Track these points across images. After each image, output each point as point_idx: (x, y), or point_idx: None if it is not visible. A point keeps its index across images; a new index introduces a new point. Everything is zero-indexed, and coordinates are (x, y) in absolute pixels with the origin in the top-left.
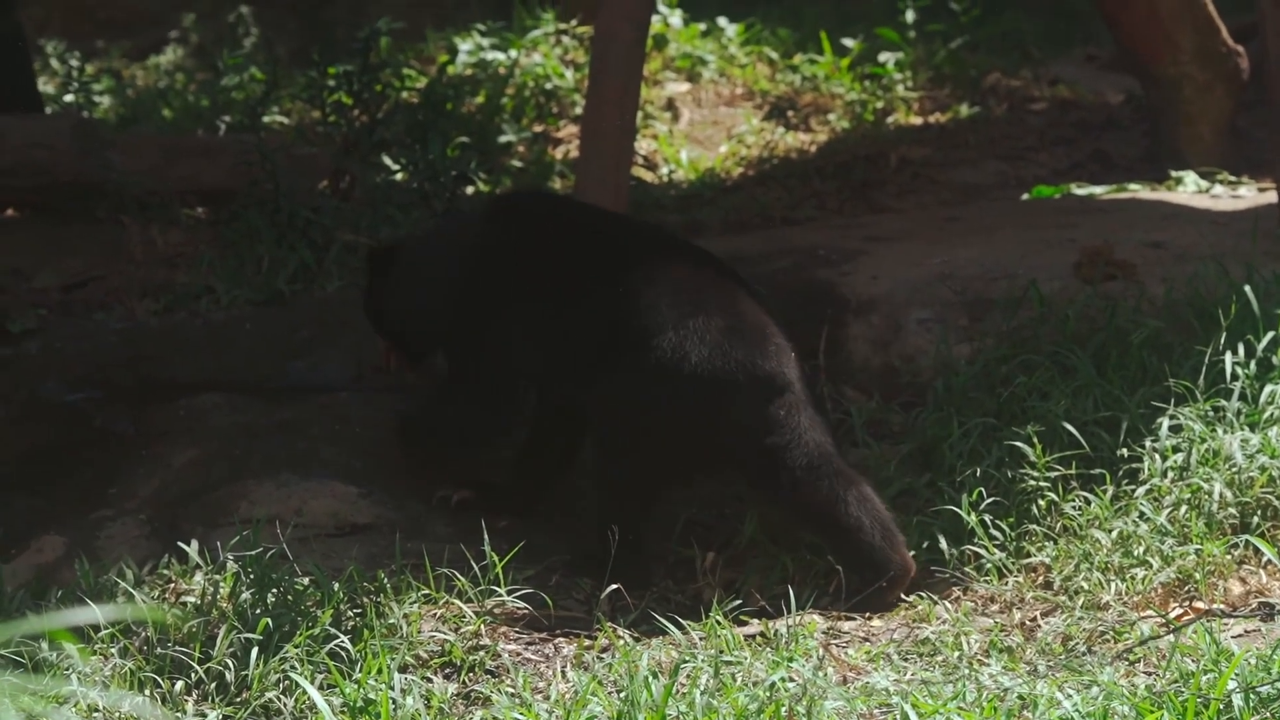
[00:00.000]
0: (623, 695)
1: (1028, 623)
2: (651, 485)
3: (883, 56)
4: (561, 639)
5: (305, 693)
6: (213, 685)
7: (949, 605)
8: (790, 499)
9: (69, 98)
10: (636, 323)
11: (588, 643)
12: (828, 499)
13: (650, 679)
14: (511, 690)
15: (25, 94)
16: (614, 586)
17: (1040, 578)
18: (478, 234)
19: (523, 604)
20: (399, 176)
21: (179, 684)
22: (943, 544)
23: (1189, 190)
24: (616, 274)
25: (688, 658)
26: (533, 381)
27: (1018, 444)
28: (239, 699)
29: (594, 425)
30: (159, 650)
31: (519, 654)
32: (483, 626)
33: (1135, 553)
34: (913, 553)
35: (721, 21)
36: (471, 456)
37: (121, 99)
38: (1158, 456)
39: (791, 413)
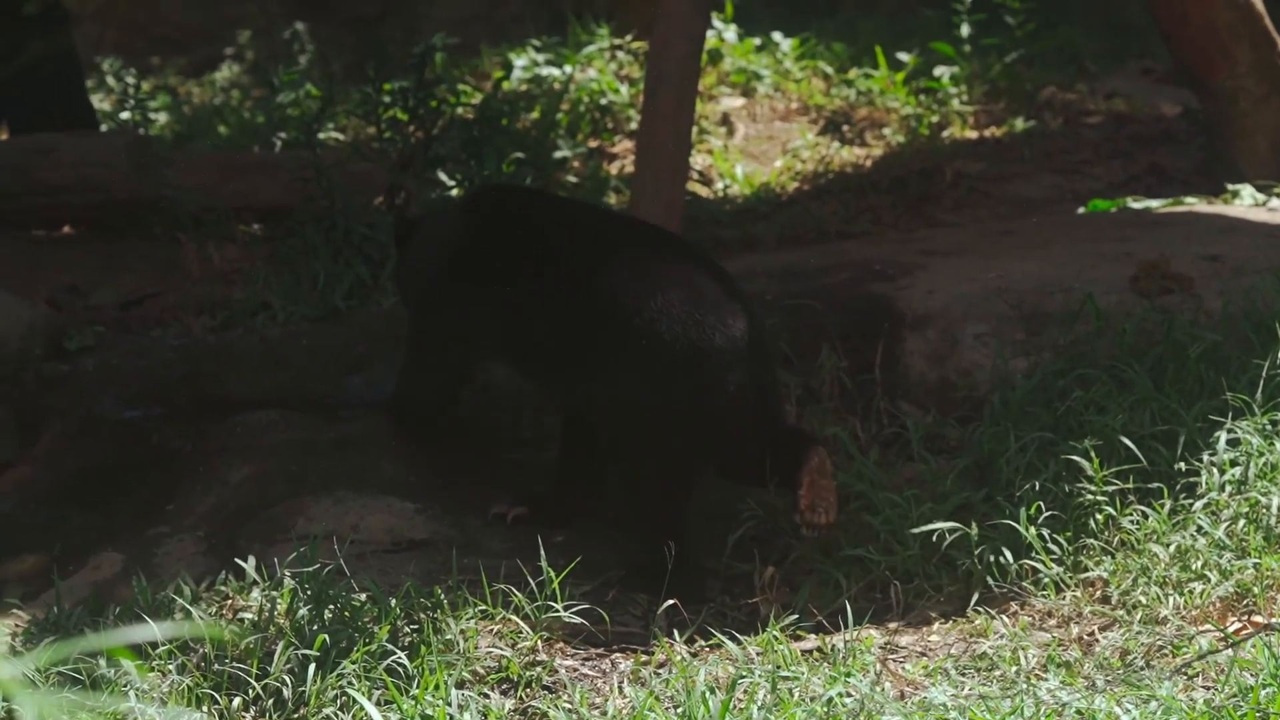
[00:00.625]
0: (680, 711)
1: (1085, 637)
2: (675, 478)
3: (938, 71)
4: (618, 654)
5: (362, 709)
6: (270, 702)
7: (1006, 620)
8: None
9: (125, 115)
10: (609, 315)
11: (644, 658)
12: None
13: (707, 694)
14: (568, 706)
15: (80, 112)
16: (671, 601)
17: (1098, 592)
18: (452, 219)
19: (579, 619)
20: (454, 192)
21: (236, 700)
22: (1001, 558)
23: (1245, 203)
24: (579, 264)
25: (745, 673)
26: (501, 364)
27: (1075, 458)
28: (296, 715)
29: (600, 433)
30: (216, 667)
31: (576, 669)
32: (539, 642)
33: (1193, 567)
34: (965, 562)
35: (776, 36)
36: (430, 427)
37: (177, 116)
38: (1215, 470)
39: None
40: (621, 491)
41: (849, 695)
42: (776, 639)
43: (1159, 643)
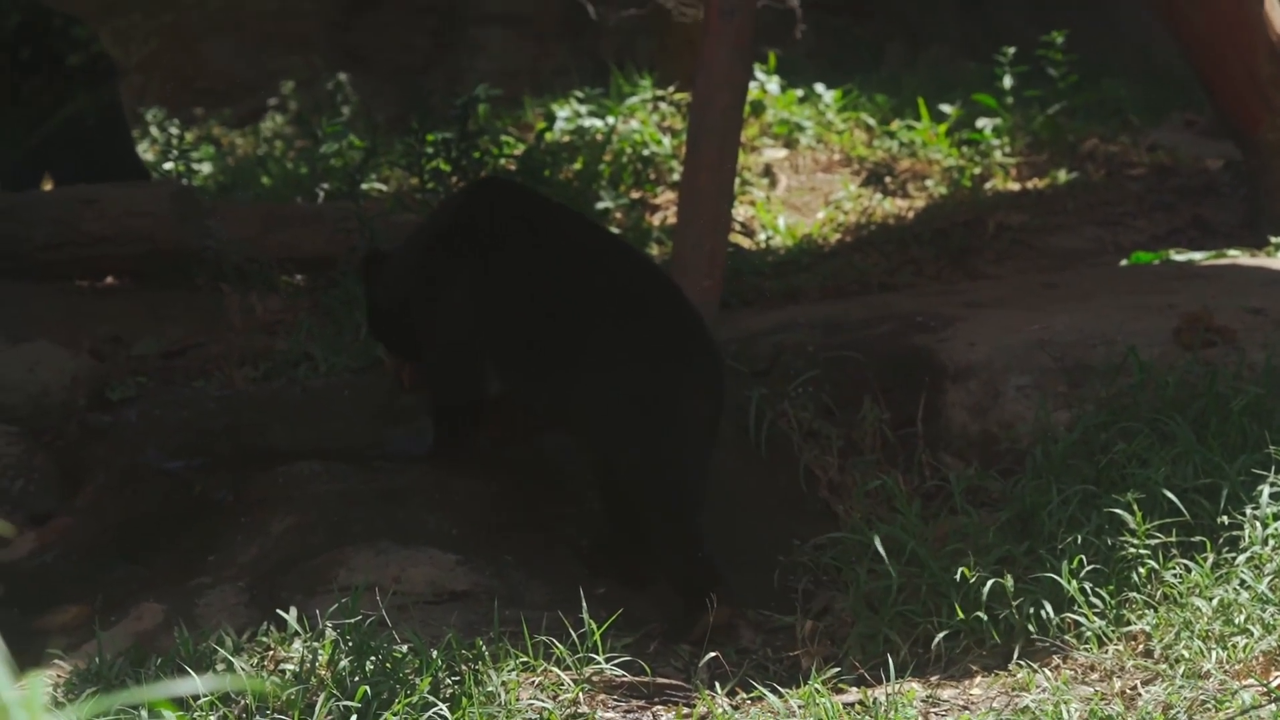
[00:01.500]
0: None
1: (1128, 691)
2: (680, 472)
3: (980, 122)
4: (660, 706)
5: None
6: None
7: (1049, 673)
8: None
9: (169, 166)
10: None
11: (686, 710)
12: None
13: None
14: None
15: (128, 163)
16: (712, 655)
17: (1140, 646)
18: (442, 219)
19: (621, 671)
20: None
21: None
22: (1043, 611)
23: None
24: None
25: None
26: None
27: (1117, 511)
28: None
29: (597, 451)
30: (258, 718)
31: None
32: (581, 694)
33: (1236, 620)
34: (1004, 613)
35: (819, 88)
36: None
37: (221, 167)
38: (1259, 524)
39: None
40: (642, 510)
41: None
42: (818, 692)
43: (1202, 697)
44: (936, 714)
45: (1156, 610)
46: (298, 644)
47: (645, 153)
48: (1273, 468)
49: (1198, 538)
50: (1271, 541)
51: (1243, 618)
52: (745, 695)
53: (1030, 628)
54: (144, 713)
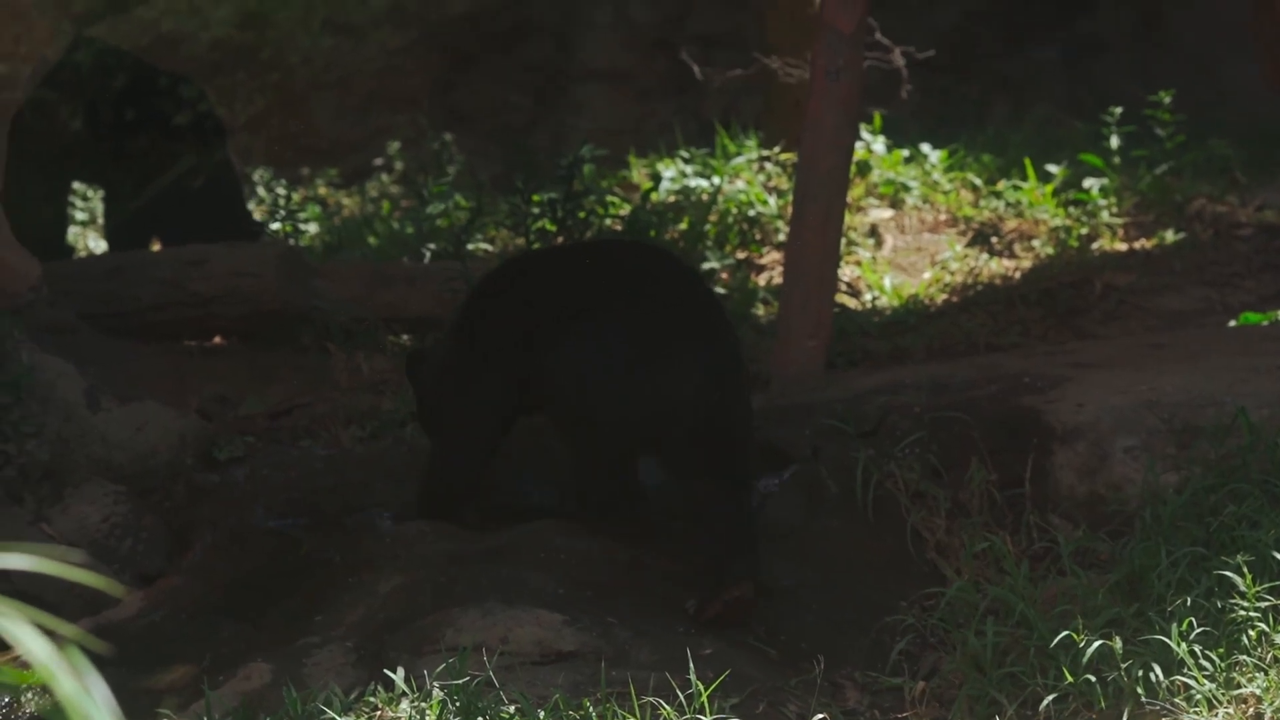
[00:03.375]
0: None
1: None
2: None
3: (1087, 182)
4: None
5: None
6: None
7: None
8: None
9: (275, 226)
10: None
11: None
12: None
13: None
14: None
15: (238, 222)
16: (820, 716)
17: (1251, 709)
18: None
19: None
20: None
21: None
22: (1152, 674)
23: None
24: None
25: None
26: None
27: (1227, 573)
28: None
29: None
30: None
31: None
32: None
33: None
34: (1113, 675)
35: (925, 148)
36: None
37: (327, 226)
38: None
39: None
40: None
41: None
42: None
43: None
44: None
45: (1267, 673)
46: (405, 704)
47: (751, 213)
48: None
49: None
50: None
51: None
52: None
53: (1139, 691)
54: None
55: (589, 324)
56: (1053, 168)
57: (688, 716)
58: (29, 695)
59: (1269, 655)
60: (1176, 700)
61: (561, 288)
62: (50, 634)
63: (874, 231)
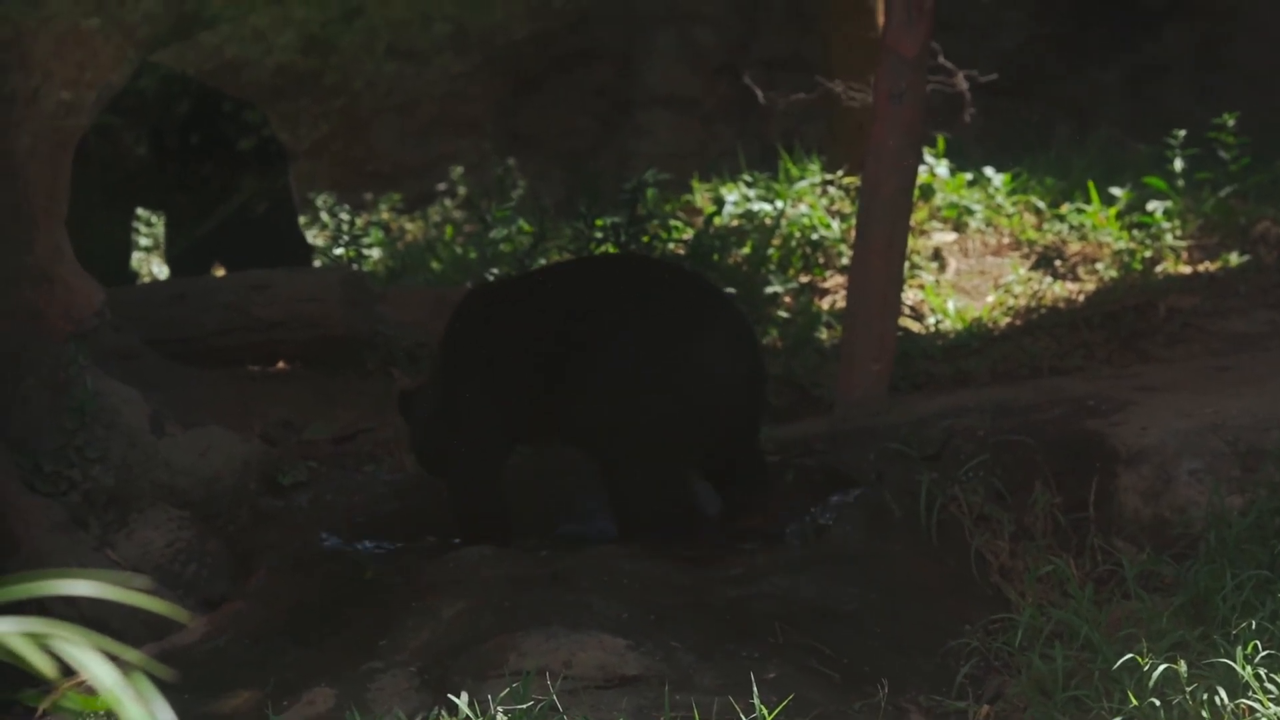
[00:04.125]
0: None
1: None
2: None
3: (1151, 205)
4: None
5: None
6: None
7: None
8: None
9: (339, 251)
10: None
11: None
12: None
13: None
14: None
15: (295, 247)
16: None
17: None
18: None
19: None
20: None
21: None
22: (1217, 698)
23: None
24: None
25: None
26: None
27: None
28: None
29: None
30: None
31: None
32: None
33: None
34: (1178, 699)
35: (988, 171)
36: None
37: (390, 251)
38: None
39: None
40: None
41: None
42: None
43: None
44: None
45: None
46: None
47: (814, 237)
48: None
49: None
50: None
51: None
52: None
53: (1204, 715)
54: None
55: (626, 340)
56: (1116, 190)
57: None
58: None
59: None
60: None
61: (570, 309)
62: (116, 660)
63: (937, 255)
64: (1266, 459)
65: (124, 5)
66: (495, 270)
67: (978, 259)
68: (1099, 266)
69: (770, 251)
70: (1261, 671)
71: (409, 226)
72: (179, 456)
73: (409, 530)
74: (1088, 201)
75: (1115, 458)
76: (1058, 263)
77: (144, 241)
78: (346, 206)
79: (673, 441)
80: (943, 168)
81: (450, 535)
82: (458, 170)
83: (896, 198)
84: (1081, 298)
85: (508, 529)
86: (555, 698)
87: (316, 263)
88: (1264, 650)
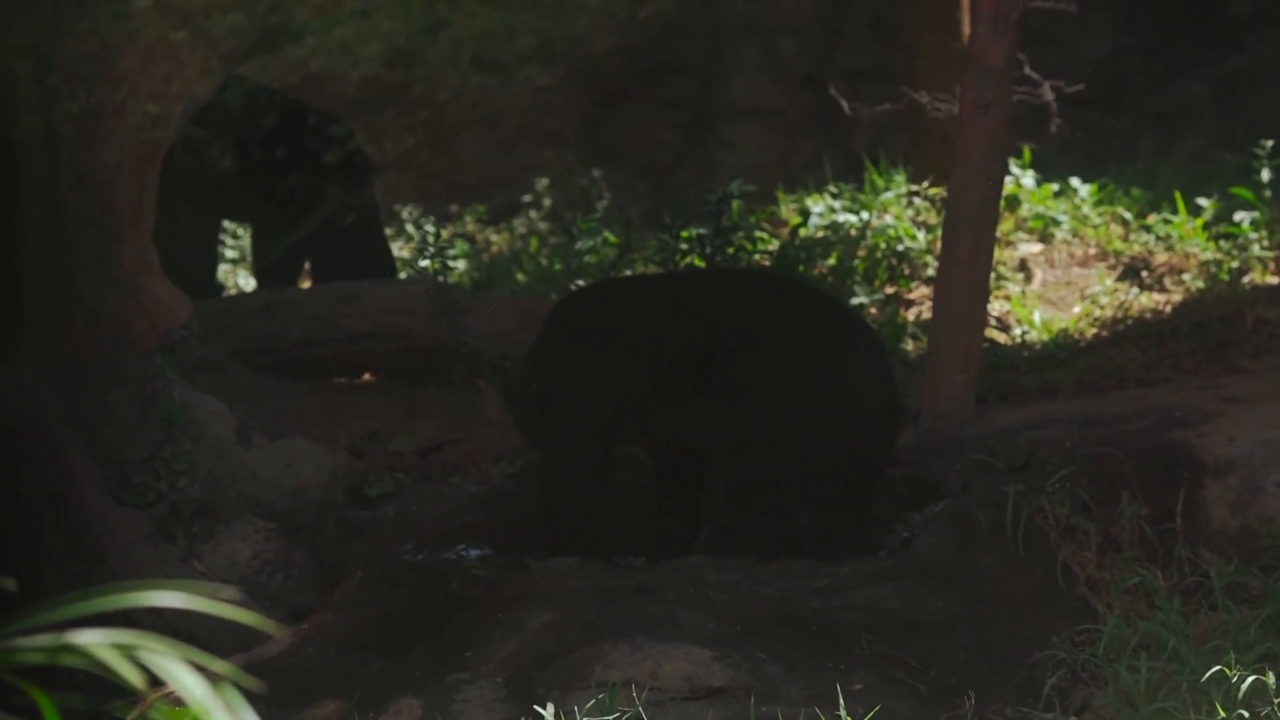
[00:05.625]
0: None
1: None
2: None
3: (1238, 216)
4: None
5: None
6: None
7: None
8: None
9: (424, 263)
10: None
11: None
12: None
13: None
14: None
15: (380, 259)
16: None
17: None
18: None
19: None
20: None
21: None
22: None
23: None
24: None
25: None
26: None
27: None
28: None
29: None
30: None
31: None
32: None
33: None
34: (1266, 710)
35: (1074, 182)
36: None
37: (476, 263)
38: None
39: None
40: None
41: None
42: None
43: None
44: None
45: None
46: None
47: (900, 248)
48: None
49: None
50: None
51: None
52: None
53: None
54: None
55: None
56: (1203, 201)
57: None
58: None
59: None
60: None
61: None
62: (203, 671)
63: (1023, 266)
64: None
65: (210, 18)
66: (580, 282)
67: (1064, 270)
68: (1185, 277)
69: (855, 263)
70: None
71: (494, 238)
72: (265, 468)
73: (494, 541)
74: (1174, 212)
75: (1202, 469)
76: (1144, 274)
77: (230, 254)
78: (431, 218)
79: (807, 467)
80: (1028, 178)
81: (537, 546)
82: (543, 182)
83: (982, 208)
84: (1168, 309)
85: (591, 536)
86: (641, 709)
87: (402, 275)
88: None
